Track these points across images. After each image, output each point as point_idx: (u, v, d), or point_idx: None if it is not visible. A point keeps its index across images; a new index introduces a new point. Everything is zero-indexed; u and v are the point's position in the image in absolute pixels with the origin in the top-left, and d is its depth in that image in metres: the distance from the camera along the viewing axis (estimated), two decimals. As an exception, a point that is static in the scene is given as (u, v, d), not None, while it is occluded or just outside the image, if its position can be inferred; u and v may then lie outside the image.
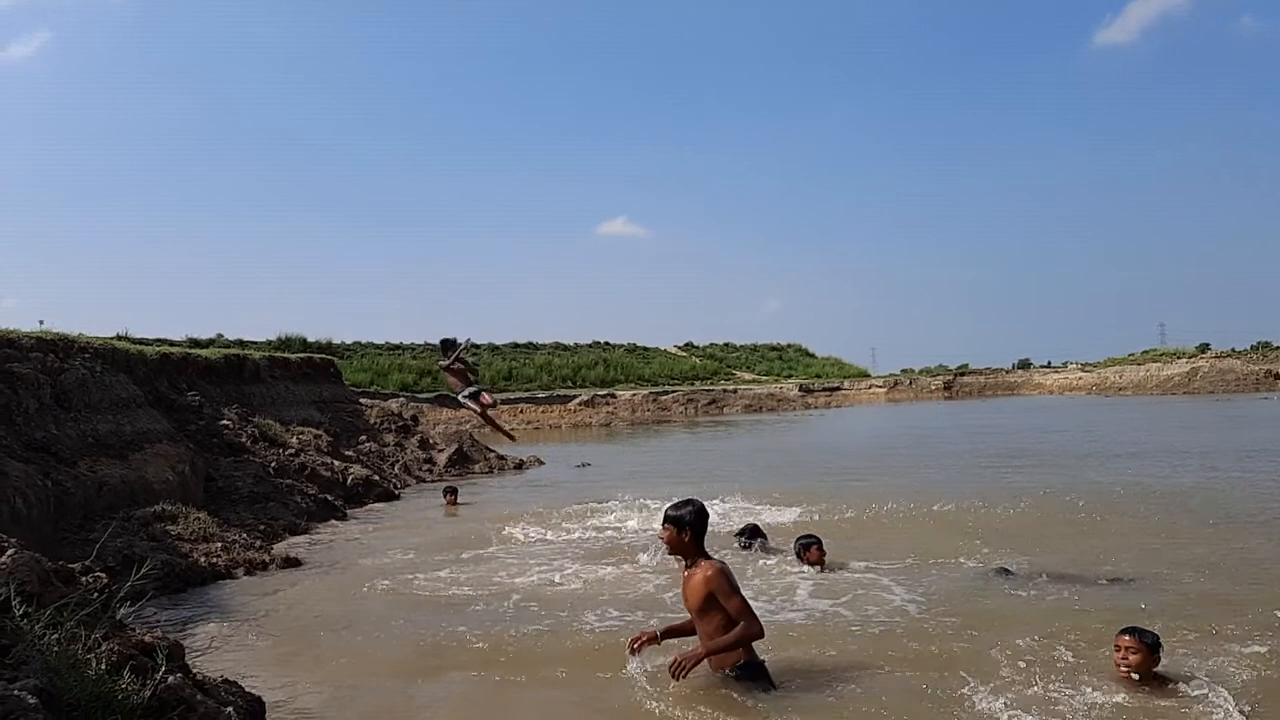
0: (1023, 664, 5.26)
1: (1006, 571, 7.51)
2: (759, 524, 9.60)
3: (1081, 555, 8.41)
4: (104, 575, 3.17)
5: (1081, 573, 7.61)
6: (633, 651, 5.12)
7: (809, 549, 8.31)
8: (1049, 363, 70.68)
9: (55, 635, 2.33)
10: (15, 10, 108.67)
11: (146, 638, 2.78)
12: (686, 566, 5.02)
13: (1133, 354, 61.70)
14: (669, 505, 5.12)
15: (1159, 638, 4.89)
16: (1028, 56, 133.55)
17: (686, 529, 4.96)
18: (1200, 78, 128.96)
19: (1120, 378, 57.26)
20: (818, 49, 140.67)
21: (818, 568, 8.14)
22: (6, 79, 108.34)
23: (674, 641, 5.22)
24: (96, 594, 2.75)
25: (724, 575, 4.85)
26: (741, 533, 9.29)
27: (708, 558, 5.00)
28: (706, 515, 5.11)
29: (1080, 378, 61.48)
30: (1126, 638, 4.86)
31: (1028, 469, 16.59)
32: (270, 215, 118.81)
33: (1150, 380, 54.64)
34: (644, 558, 9.03)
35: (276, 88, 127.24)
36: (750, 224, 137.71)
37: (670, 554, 5.23)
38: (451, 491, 15.12)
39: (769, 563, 8.64)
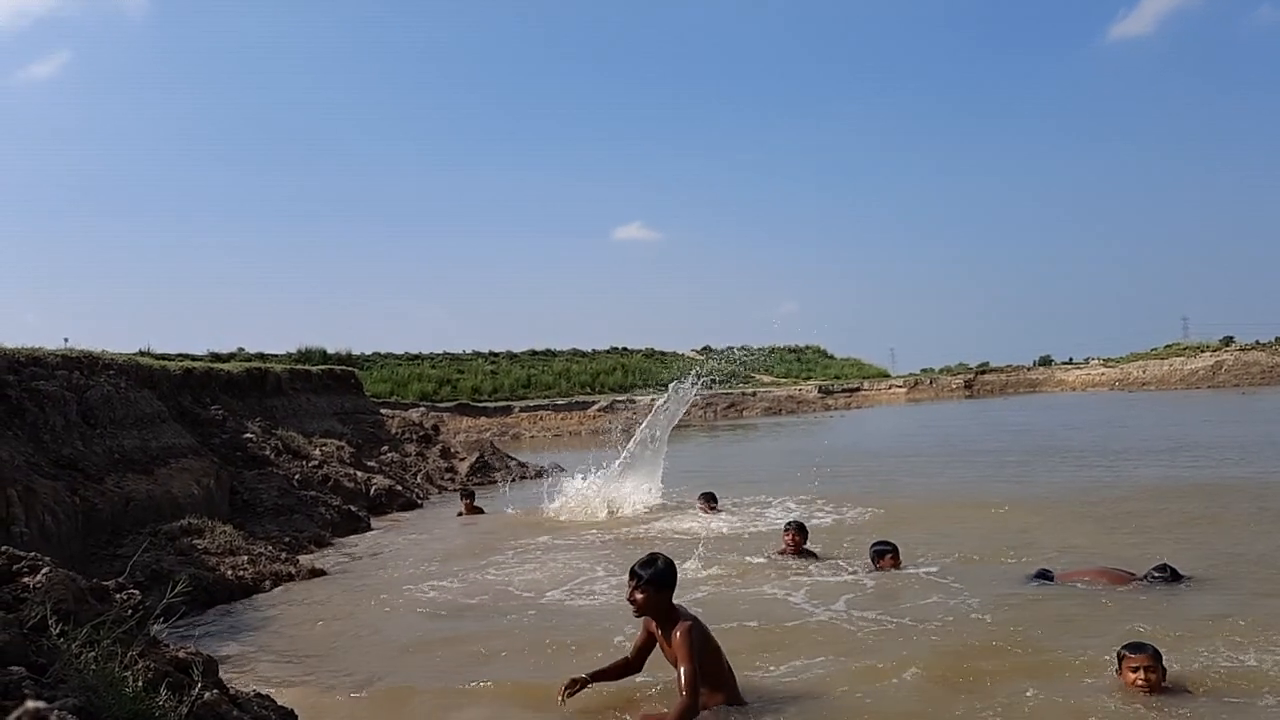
0: (1052, 674, 5.12)
1: (1046, 573, 7.40)
2: (803, 523, 9.27)
3: (1123, 554, 8.29)
4: (137, 592, 3.16)
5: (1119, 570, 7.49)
6: (563, 700, 4.81)
7: (883, 556, 8.07)
8: (1070, 359, 69.96)
9: (92, 653, 2.32)
10: (36, 31, 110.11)
11: (181, 653, 2.77)
12: (659, 625, 4.65)
13: (1155, 348, 61.02)
14: (635, 563, 4.68)
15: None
16: (1042, 51, 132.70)
17: (667, 587, 4.60)
18: (1218, 68, 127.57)
19: (1143, 373, 56.67)
20: (829, 48, 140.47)
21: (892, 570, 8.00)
22: (28, 98, 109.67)
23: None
24: (131, 611, 2.73)
25: (689, 635, 4.48)
26: None
27: (681, 614, 4.64)
28: (674, 567, 4.73)
29: (1103, 373, 60.86)
30: (1141, 656, 4.65)
31: (1064, 466, 16.36)
32: (284, 223, 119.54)
33: (1174, 375, 54.06)
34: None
35: (293, 94, 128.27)
36: (765, 225, 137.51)
37: (639, 615, 4.70)
38: (468, 495, 15.09)
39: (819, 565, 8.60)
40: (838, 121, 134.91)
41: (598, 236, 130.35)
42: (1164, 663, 4.68)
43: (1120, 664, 4.75)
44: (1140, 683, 4.60)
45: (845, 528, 10.76)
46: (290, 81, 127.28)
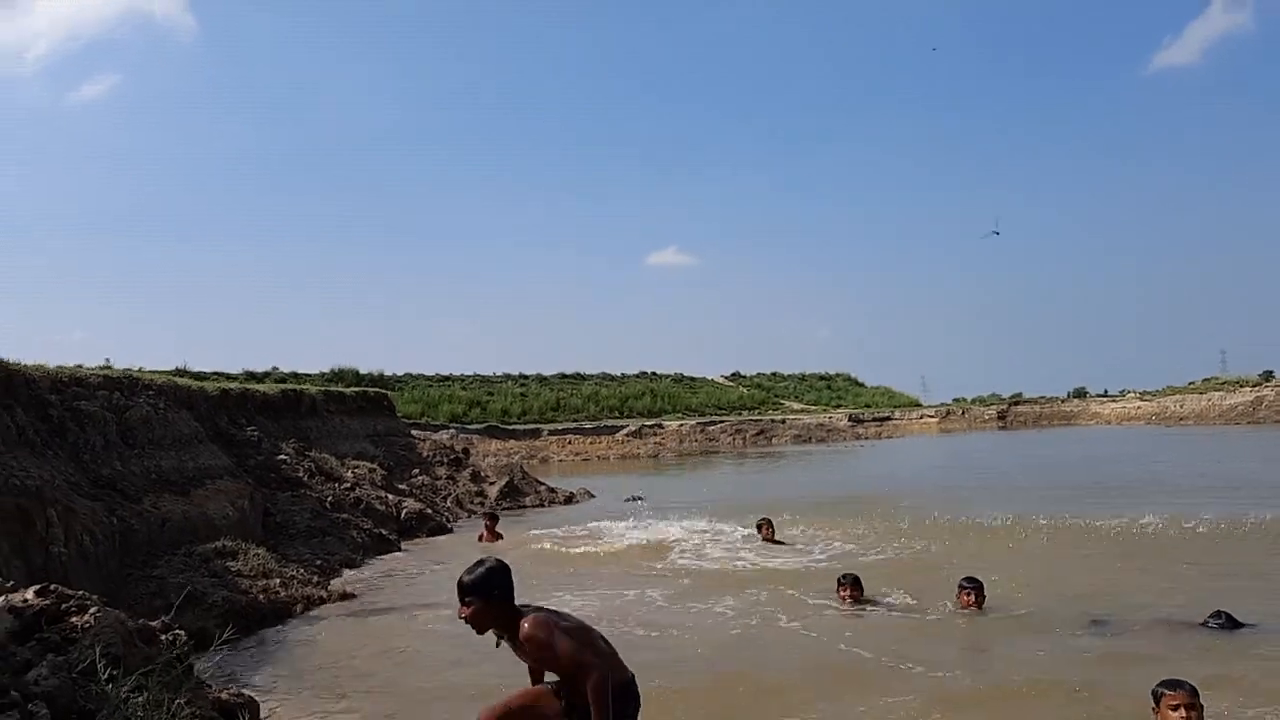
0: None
1: (1099, 622, 7.25)
2: (858, 576, 8.92)
3: (1179, 597, 8.11)
4: (183, 632, 3.15)
5: (1173, 617, 7.34)
6: None
7: (960, 593, 8.07)
8: (1105, 391, 68.89)
9: (140, 698, 2.30)
10: (87, 54, 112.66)
11: (224, 695, 2.74)
12: (508, 639, 4.05)
13: (1193, 382, 59.93)
14: (463, 572, 4.05)
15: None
16: (1083, 80, 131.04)
17: (499, 589, 3.96)
18: (1262, 99, 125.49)
19: (1181, 407, 55.65)
20: (866, 73, 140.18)
21: (970, 610, 7.93)
22: (79, 119, 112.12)
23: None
24: (176, 653, 2.71)
25: (540, 624, 3.95)
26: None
27: (523, 613, 4.03)
28: (506, 569, 4.08)
29: (1139, 407, 59.84)
30: (1180, 693, 4.40)
31: (1112, 502, 15.90)
32: (321, 244, 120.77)
33: (1213, 410, 53.03)
34: (729, 599, 8.93)
35: (332, 119, 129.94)
36: (800, 250, 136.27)
37: (481, 632, 4.05)
38: (492, 518, 15.09)
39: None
40: (875, 147, 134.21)
41: (632, 260, 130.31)
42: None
43: (1158, 702, 4.57)
44: None
45: (895, 564, 10.64)
46: (329, 106, 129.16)
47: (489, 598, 3.90)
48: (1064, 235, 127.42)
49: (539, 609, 4.05)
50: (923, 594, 8.69)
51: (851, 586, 8.60)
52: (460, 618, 3.98)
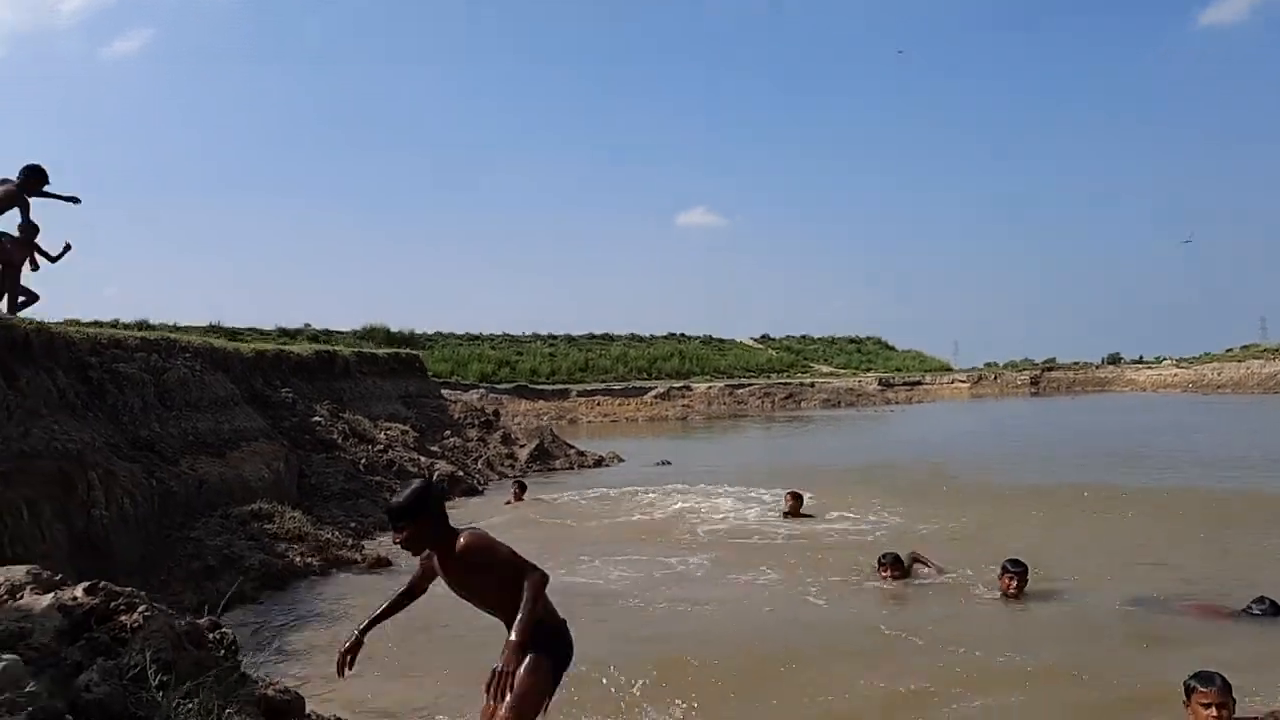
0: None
1: (1140, 603, 7.14)
2: (898, 554, 8.77)
3: (1227, 577, 7.95)
4: (229, 632, 3.12)
5: (1217, 601, 7.21)
6: (342, 674, 4.01)
7: (1002, 576, 7.79)
8: (1140, 358, 67.81)
9: (190, 704, 2.27)
10: (120, 7, 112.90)
11: (270, 692, 2.71)
12: (439, 558, 3.98)
13: (1231, 349, 58.82)
14: (393, 497, 3.98)
15: None
16: (1126, 41, 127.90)
17: (428, 511, 3.89)
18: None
19: (1219, 375, 54.68)
20: (900, 36, 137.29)
21: (1013, 597, 7.68)
22: (110, 74, 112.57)
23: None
24: (229, 662, 2.68)
25: (480, 534, 3.97)
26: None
27: (458, 532, 3.98)
28: (432, 486, 4.08)
29: (1176, 374, 58.91)
30: (1212, 691, 4.28)
31: (1152, 474, 15.66)
32: (355, 201, 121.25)
33: (1251, 378, 52.02)
34: (765, 572, 8.87)
35: (372, 73, 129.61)
36: (831, 213, 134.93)
37: (418, 554, 4.04)
38: (520, 485, 15.18)
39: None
40: (908, 110, 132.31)
41: (661, 222, 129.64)
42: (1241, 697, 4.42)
43: (1189, 696, 4.46)
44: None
45: (933, 539, 10.53)
46: (363, 61, 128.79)
47: (417, 519, 3.86)
48: (1100, 200, 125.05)
49: (472, 527, 4.06)
50: (963, 571, 8.59)
51: (892, 566, 8.50)
52: (395, 543, 3.95)
